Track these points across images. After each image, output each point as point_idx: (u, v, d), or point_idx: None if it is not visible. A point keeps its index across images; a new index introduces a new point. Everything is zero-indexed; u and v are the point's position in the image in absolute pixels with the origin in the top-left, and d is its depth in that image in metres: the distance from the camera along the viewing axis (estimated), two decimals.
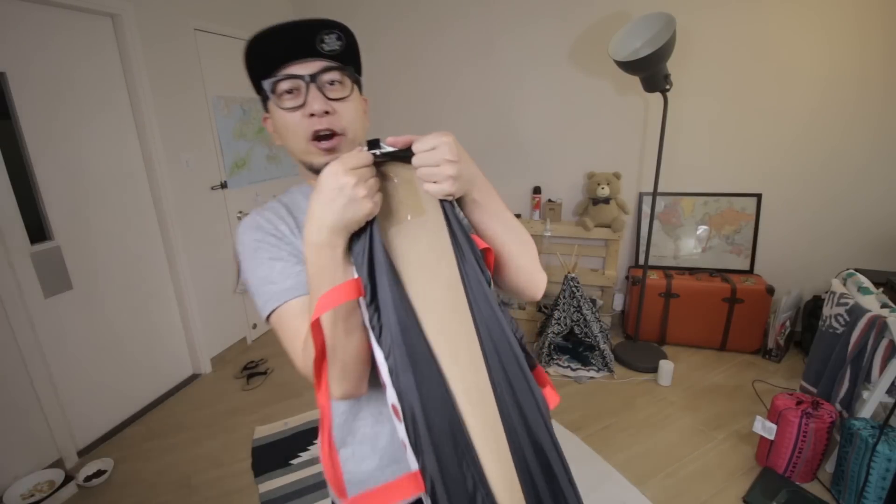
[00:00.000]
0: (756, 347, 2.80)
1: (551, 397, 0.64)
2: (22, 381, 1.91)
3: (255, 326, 3.26)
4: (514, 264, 0.72)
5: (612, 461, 1.98)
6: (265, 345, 3.18)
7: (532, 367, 0.62)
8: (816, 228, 2.79)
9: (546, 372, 2.69)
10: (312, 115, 0.70)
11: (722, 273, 2.91)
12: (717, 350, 2.87)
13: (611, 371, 2.63)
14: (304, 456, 2.08)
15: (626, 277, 3.17)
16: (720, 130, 2.83)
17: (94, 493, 1.93)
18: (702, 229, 2.98)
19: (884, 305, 1.80)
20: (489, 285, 0.62)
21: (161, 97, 2.44)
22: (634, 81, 2.57)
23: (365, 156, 0.58)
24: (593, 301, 3.01)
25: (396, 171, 0.63)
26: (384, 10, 3.29)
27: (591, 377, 2.61)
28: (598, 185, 2.95)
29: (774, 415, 1.86)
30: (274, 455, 2.09)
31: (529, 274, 0.75)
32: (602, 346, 2.61)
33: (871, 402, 1.74)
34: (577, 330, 2.67)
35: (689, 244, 3.02)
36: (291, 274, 0.72)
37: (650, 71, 2.32)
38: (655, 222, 3.03)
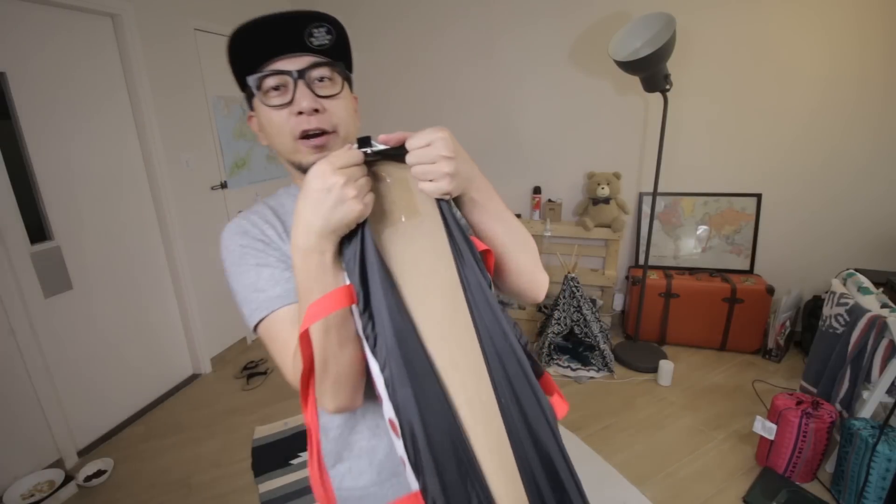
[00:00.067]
0: (756, 347, 2.80)
1: (559, 406, 0.60)
2: (22, 381, 1.91)
3: None
4: (515, 266, 0.68)
5: (612, 461, 1.98)
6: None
7: (539, 375, 0.58)
8: (816, 228, 2.79)
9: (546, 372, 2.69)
10: (301, 113, 0.66)
11: (722, 273, 2.91)
12: (717, 350, 2.87)
13: (611, 371, 2.63)
14: (304, 456, 2.08)
15: (626, 277, 3.17)
16: (720, 130, 2.83)
17: (94, 493, 1.93)
18: (702, 229, 2.98)
19: (884, 305, 1.80)
20: (490, 289, 0.58)
21: (161, 97, 2.44)
22: (634, 81, 2.57)
23: (355, 154, 0.54)
24: (593, 301, 3.00)
25: (389, 170, 0.59)
26: (384, 10, 3.29)
27: (591, 377, 2.61)
28: (598, 185, 2.95)
29: (774, 415, 1.86)
30: (274, 455, 2.09)
31: (531, 275, 0.71)
32: (602, 346, 2.61)
33: (871, 402, 1.74)
34: (577, 330, 2.67)
35: (689, 244, 3.02)
36: (280, 280, 0.67)
37: (650, 71, 2.32)
38: (655, 222, 3.03)
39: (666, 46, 2.20)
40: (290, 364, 0.65)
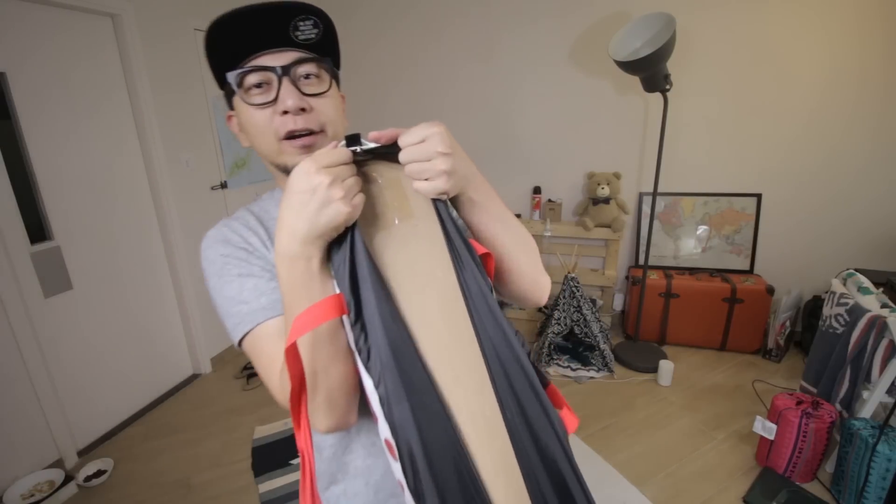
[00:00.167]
0: (756, 347, 2.80)
1: (570, 421, 0.55)
2: (22, 381, 1.91)
3: None
4: (516, 269, 0.64)
5: (612, 461, 1.98)
6: None
7: (544, 386, 0.54)
8: (816, 228, 2.79)
9: (546, 372, 2.69)
10: (286, 112, 0.61)
11: (722, 273, 2.91)
12: (717, 350, 2.87)
13: (611, 371, 2.63)
14: None
15: (626, 277, 3.17)
16: (720, 130, 2.83)
17: (94, 493, 1.93)
18: (702, 229, 2.98)
19: (884, 305, 1.80)
20: (492, 294, 0.55)
21: (161, 97, 2.44)
22: (634, 81, 2.57)
23: (342, 152, 0.50)
24: (593, 301, 3.00)
25: (380, 170, 0.55)
26: (384, 10, 3.29)
27: (591, 377, 2.61)
28: (598, 185, 2.95)
29: (774, 415, 1.86)
30: (274, 455, 2.09)
31: (533, 278, 0.67)
32: (602, 346, 2.61)
33: (871, 402, 1.74)
34: (577, 330, 2.67)
35: (689, 244, 3.02)
36: (265, 291, 0.63)
37: (650, 71, 2.32)
38: (655, 222, 3.03)
39: (666, 46, 2.20)
40: (277, 381, 0.59)
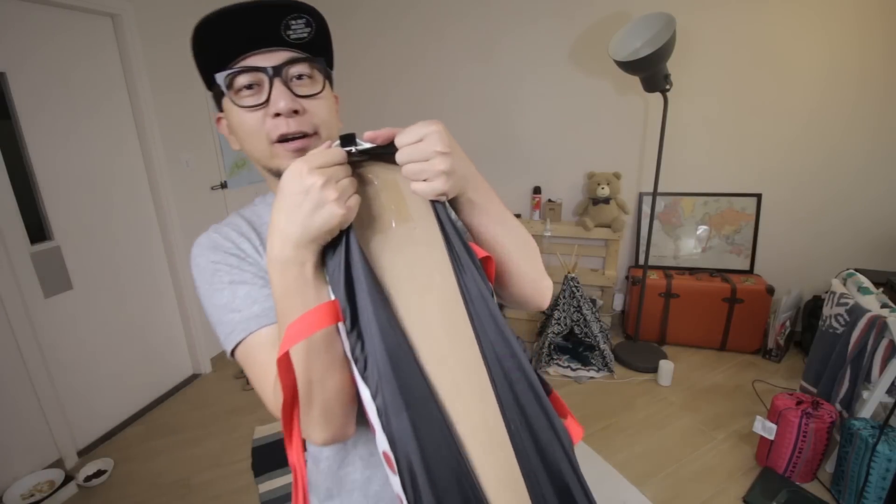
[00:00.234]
0: (756, 347, 2.80)
1: (574, 430, 0.53)
2: (22, 381, 1.91)
3: None
4: (517, 273, 0.62)
5: (612, 461, 1.98)
6: None
7: (548, 394, 0.52)
8: (816, 228, 2.79)
9: (546, 372, 2.69)
10: (278, 114, 0.58)
11: (722, 273, 2.91)
12: (717, 350, 2.87)
13: (611, 371, 2.63)
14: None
15: (626, 277, 3.17)
16: (720, 130, 2.83)
17: (94, 493, 1.93)
18: (702, 229, 2.98)
19: (884, 305, 1.80)
20: (493, 299, 0.53)
21: (161, 97, 2.44)
22: (634, 81, 2.57)
23: (335, 152, 0.48)
24: (593, 301, 3.00)
25: (376, 171, 0.54)
26: (384, 9, 3.29)
27: (591, 377, 2.61)
28: (598, 185, 2.95)
29: (774, 415, 1.86)
30: (274, 455, 2.09)
31: (535, 282, 0.65)
32: (602, 346, 2.61)
33: (871, 402, 1.74)
34: (577, 330, 2.67)
35: (689, 244, 3.02)
36: (258, 298, 0.61)
37: (650, 71, 2.32)
38: (655, 222, 3.03)
39: (666, 46, 2.20)
40: (270, 392, 0.57)
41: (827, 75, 2.56)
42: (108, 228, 2.28)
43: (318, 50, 0.63)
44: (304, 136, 0.60)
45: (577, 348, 2.83)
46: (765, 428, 1.86)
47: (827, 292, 2.07)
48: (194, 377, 2.80)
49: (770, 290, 2.69)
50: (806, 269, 2.85)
